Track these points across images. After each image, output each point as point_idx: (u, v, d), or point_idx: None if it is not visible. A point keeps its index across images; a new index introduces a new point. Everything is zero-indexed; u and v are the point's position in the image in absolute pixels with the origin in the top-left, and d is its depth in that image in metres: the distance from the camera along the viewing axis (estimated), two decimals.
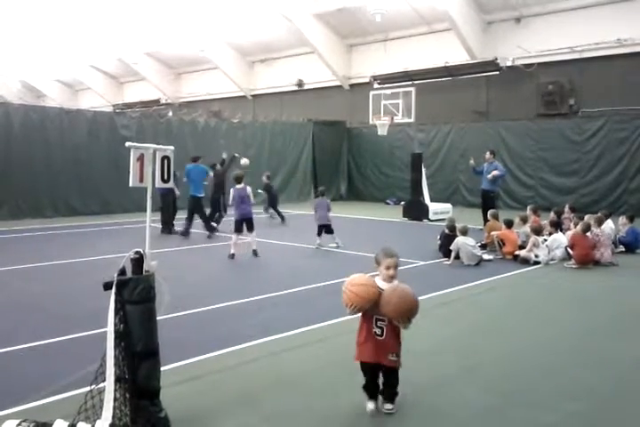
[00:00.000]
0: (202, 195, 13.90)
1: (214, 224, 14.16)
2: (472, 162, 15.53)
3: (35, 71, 39.13)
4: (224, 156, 15.39)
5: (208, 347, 5.59)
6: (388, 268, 4.46)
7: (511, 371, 5.17)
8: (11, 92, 40.21)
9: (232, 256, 10.72)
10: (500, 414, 4.28)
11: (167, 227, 14.15)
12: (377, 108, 19.45)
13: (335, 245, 12.05)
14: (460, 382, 4.89)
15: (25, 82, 41.39)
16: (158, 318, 4.00)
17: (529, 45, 20.38)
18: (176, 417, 3.94)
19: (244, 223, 11.00)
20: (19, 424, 3.21)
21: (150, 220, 4.46)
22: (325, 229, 12.13)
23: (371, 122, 19.77)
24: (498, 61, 20.93)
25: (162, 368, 3.99)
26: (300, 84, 27.89)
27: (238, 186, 10.98)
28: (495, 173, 14.38)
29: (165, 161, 4.41)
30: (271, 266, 10.47)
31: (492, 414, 4.29)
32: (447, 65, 22.24)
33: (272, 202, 17.03)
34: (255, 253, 10.96)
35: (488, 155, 15.08)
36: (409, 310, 4.11)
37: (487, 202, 14.52)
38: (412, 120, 18.97)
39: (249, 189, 11.08)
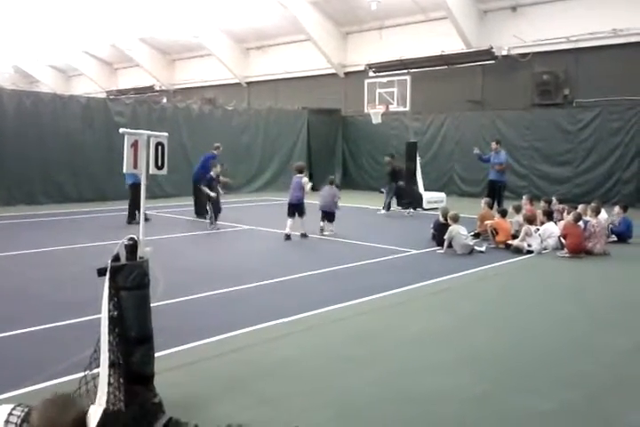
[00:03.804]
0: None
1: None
2: (477, 151, 15.59)
3: (28, 56, 38.79)
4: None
5: (202, 333, 5.61)
6: None
7: (505, 359, 5.22)
8: (3, 77, 39.89)
9: (287, 237, 11.56)
10: (494, 401, 4.33)
11: (200, 212, 14.50)
12: (372, 96, 19.40)
13: (329, 232, 12.13)
14: (454, 369, 4.93)
15: (18, 67, 41.04)
16: (152, 304, 4.01)
17: (524, 35, 20.31)
18: (170, 403, 3.96)
19: (294, 208, 11.78)
20: (13, 409, 3.21)
21: (144, 206, 4.45)
22: (327, 215, 12.35)
23: (366, 110, 19.72)
24: (493, 50, 20.85)
25: (156, 354, 4.01)
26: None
27: (298, 175, 11.93)
28: (497, 167, 14.73)
29: (159, 147, 4.40)
30: (266, 253, 10.49)
31: (486, 400, 4.34)
32: (443, 54, 22.15)
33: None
34: (303, 235, 11.77)
35: (494, 144, 15.18)
36: None
37: (495, 192, 14.62)
38: (407, 109, 18.96)
39: (305, 179, 11.94)
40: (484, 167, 16.41)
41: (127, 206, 13.40)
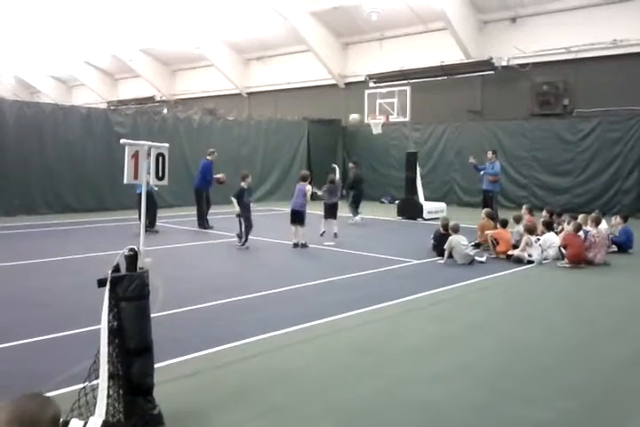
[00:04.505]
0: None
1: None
2: (472, 160, 15.65)
3: (29, 67, 38.96)
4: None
5: (202, 344, 5.59)
6: None
7: (503, 369, 5.20)
8: (4, 87, 40.03)
9: (294, 245, 11.76)
10: (492, 411, 4.31)
11: (202, 221, 14.63)
12: (372, 106, 19.46)
13: (332, 242, 12.19)
14: (452, 378, 4.92)
15: (19, 78, 41.19)
16: (152, 315, 4.00)
17: (524, 45, 20.41)
18: (170, 414, 3.95)
19: (296, 215, 11.86)
20: None
21: (145, 216, 4.46)
22: (332, 214, 12.66)
23: (366, 121, 19.78)
24: (493, 61, 20.95)
25: (156, 365, 4.00)
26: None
27: (302, 182, 12.12)
28: (491, 178, 14.83)
29: (160, 158, 4.41)
30: (267, 264, 10.49)
31: (484, 410, 4.32)
32: (442, 64, 22.25)
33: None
34: (302, 245, 11.74)
35: (490, 154, 15.24)
36: None
37: (485, 201, 14.73)
38: (407, 119, 19.00)
39: (308, 186, 12.03)
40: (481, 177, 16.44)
41: (138, 216, 13.51)
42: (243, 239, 11.66)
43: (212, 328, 6.27)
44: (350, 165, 17.56)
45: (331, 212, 12.82)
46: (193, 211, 15.25)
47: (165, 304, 6.86)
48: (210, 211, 15.07)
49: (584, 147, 19.11)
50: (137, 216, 13.36)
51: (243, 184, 11.97)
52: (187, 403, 4.33)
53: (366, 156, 24.87)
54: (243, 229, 11.72)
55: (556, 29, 19.78)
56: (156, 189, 13.09)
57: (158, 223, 14.40)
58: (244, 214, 11.77)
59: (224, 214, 16.15)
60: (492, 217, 12.18)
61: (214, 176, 14.75)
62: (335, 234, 12.44)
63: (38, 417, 2.10)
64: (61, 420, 3.29)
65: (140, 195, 12.89)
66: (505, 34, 21.23)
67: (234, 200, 11.74)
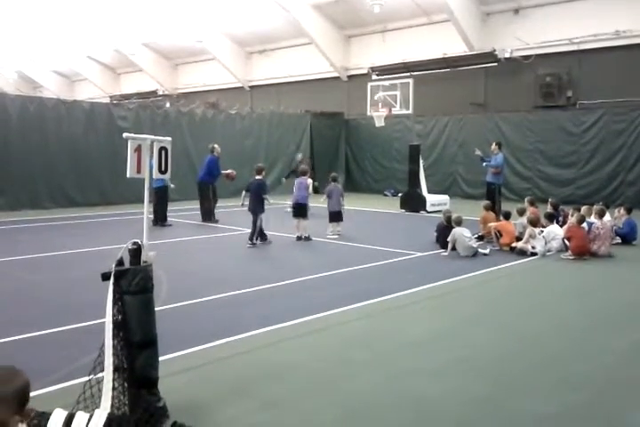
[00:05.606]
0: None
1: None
2: (478, 152, 15.60)
3: (31, 62, 38.94)
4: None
5: (206, 337, 5.61)
6: None
7: (507, 361, 5.20)
8: (7, 83, 40.04)
9: (297, 238, 11.77)
10: (496, 404, 4.32)
11: (208, 216, 14.68)
12: (375, 99, 19.43)
13: (336, 235, 12.17)
14: (455, 371, 4.93)
15: (21, 72, 41.17)
16: (156, 308, 4.02)
17: (527, 37, 20.32)
18: (174, 406, 3.97)
19: (299, 208, 11.99)
20: None
21: (148, 210, 4.47)
22: (335, 216, 12.50)
23: (368, 113, 19.75)
24: (496, 53, 20.87)
25: (160, 358, 4.02)
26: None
27: (302, 177, 12.37)
28: (493, 170, 14.75)
29: (163, 152, 4.42)
30: (270, 257, 10.50)
31: (488, 403, 4.33)
32: (445, 56, 22.18)
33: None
34: (306, 238, 11.75)
35: (494, 146, 15.19)
36: None
37: (488, 194, 14.68)
38: (409, 112, 18.97)
39: (309, 180, 12.49)
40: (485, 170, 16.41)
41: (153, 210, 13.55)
42: (254, 237, 11.18)
43: (212, 322, 6.28)
44: (299, 156, 17.30)
45: (337, 216, 12.48)
46: (196, 205, 15.27)
47: (168, 298, 6.89)
48: (216, 204, 15.10)
49: (587, 139, 19.06)
50: (146, 210, 13.36)
51: (259, 177, 11.49)
52: (191, 396, 4.35)
53: (369, 148, 24.88)
54: (257, 226, 11.23)
55: (558, 20, 19.68)
56: (173, 186, 13.97)
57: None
58: (260, 211, 11.28)
59: (230, 208, 16.20)
60: (492, 209, 12.19)
61: (223, 172, 14.82)
62: (339, 231, 12.46)
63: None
64: (67, 413, 3.32)
65: (156, 189, 13.10)
66: (508, 25, 21.13)
67: (266, 197, 11.42)
